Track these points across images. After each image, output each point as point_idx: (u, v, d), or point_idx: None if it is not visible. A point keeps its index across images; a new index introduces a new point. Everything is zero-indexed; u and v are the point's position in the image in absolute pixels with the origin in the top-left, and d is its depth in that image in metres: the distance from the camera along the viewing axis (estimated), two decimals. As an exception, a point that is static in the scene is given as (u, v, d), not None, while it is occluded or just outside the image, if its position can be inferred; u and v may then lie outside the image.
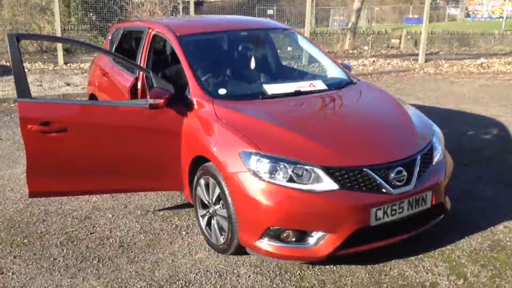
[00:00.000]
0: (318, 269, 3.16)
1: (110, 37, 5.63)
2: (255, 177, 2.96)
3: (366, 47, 16.24)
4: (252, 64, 4.53)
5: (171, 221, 3.89)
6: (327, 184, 2.92)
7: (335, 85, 4.07)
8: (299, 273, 3.13)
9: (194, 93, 3.62)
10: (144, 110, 3.50)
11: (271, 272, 3.15)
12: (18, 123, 3.44)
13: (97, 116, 3.52)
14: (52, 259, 3.36)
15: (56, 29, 12.00)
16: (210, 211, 3.41)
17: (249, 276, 3.12)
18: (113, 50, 5.19)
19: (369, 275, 3.11)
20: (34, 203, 4.21)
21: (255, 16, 14.52)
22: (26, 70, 9.22)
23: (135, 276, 3.13)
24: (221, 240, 3.31)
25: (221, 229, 3.31)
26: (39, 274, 3.18)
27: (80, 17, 14.80)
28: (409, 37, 17.77)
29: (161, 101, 3.44)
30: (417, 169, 3.13)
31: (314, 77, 4.56)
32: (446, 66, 12.70)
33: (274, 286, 3.01)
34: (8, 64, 10.95)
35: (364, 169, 2.98)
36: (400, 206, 3.05)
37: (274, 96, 3.72)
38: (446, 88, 9.68)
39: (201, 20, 5.37)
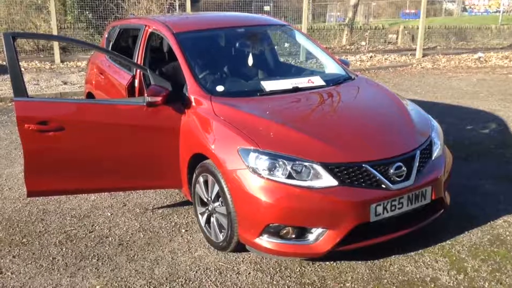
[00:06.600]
0: (318, 265, 3.16)
1: (106, 35, 5.60)
2: (254, 174, 2.95)
3: (363, 43, 16.24)
4: (250, 61, 4.51)
5: (170, 219, 3.88)
6: (327, 180, 2.91)
7: (334, 81, 4.06)
8: (299, 270, 3.13)
9: (191, 90, 3.60)
10: (142, 108, 3.48)
11: (271, 269, 3.15)
12: (15, 122, 3.42)
13: (95, 115, 3.50)
14: (51, 258, 3.35)
15: (52, 28, 11.96)
16: (209, 208, 3.40)
17: (249, 273, 3.11)
18: (110, 48, 5.16)
19: (369, 270, 3.10)
20: (32, 202, 4.20)
21: (252, 13, 14.49)
22: (22, 69, 9.20)
23: (135, 274, 3.13)
24: (221, 237, 3.30)
25: (220, 226, 3.31)
26: (39, 273, 3.17)
27: (76, 15, 14.74)
28: (406, 32, 17.76)
29: (158, 98, 3.43)
30: (416, 164, 3.13)
31: (312, 73, 4.54)
32: (444, 61, 12.70)
33: (274, 283, 3.01)
34: (4, 63, 10.90)
35: (363, 165, 2.97)
36: (400, 202, 3.04)
37: (272, 93, 3.70)
38: (444, 83, 9.68)
39: (198, 17, 5.35)
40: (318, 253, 2.97)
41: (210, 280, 3.04)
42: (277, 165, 2.94)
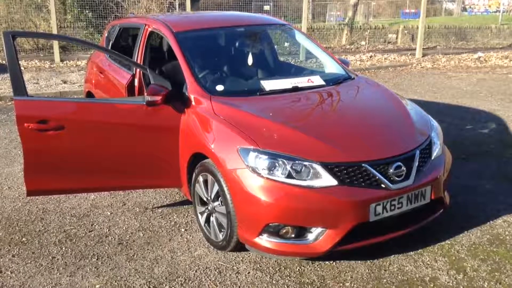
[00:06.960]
0: (317, 265, 3.16)
1: (106, 34, 5.60)
2: (253, 174, 2.95)
3: (363, 42, 16.22)
4: (250, 60, 4.51)
5: (170, 218, 3.88)
6: (326, 180, 2.91)
7: (333, 81, 4.06)
8: (299, 269, 3.13)
9: (191, 89, 3.60)
10: (142, 107, 3.48)
11: (270, 268, 3.15)
12: (15, 121, 3.42)
13: (94, 114, 3.50)
14: (50, 257, 3.35)
15: (52, 27, 11.95)
16: (209, 208, 3.40)
17: (249, 272, 3.11)
18: (110, 47, 5.16)
19: (368, 270, 3.10)
20: (32, 202, 4.20)
21: (251, 12, 14.48)
22: (22, 68, 9.20)
23: (135, 274, 3.13)
24: (220, 237, 3.30)
25: (220, 226, 3.31)
26: (38, 272, 3.17)
27: (76, 14, 14.72)
28: (406, 31, 17.73)
29: (158, 98, 3.43)
30: (416, 164, 3.13)
31: (312, 72, 4.54)
32: (444, 61, 12.70)
33: (274, 282, 3.01)
34: (4, 62, 10.89)
35: (363, 165, 2.97)
36: (399, 201, 3.04)
37: (272, 92, 3.70)
38: (443, 83, 9.68)
39: (198, 16, 5.35)
40: (317, 252, 2.98)
41: (210, 280, 3.04)
42: (276, 164, 2.94)
